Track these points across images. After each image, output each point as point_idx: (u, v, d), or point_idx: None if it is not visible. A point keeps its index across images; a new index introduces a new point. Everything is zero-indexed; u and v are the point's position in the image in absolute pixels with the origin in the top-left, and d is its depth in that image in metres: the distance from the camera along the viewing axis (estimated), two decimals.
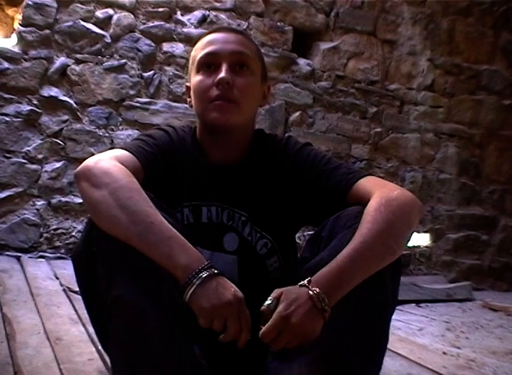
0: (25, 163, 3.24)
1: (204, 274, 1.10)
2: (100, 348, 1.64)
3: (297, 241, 1.53)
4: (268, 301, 1.10)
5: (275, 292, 1.12)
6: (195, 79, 1.42)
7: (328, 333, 1.12)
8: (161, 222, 1.15)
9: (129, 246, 1.13)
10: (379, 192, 1.25)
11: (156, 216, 1.15)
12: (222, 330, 1.09)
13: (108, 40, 3.41)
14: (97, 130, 3.39)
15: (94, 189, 1.19)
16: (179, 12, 3.59)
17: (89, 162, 1.24)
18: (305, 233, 3.54)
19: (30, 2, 3.24)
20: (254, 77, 1.43)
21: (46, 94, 3.28)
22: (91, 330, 1.61)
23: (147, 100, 3.50)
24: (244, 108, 1.40)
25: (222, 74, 1.36)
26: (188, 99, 1.51)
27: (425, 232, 4.29)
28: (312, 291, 1.09)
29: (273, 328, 1.07)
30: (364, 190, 1.30)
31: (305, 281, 1.11)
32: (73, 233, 3.32)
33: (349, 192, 1.33)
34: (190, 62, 1.48)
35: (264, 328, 1.08)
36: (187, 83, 1.51)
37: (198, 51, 1.44)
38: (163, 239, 1.12)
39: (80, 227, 3.30)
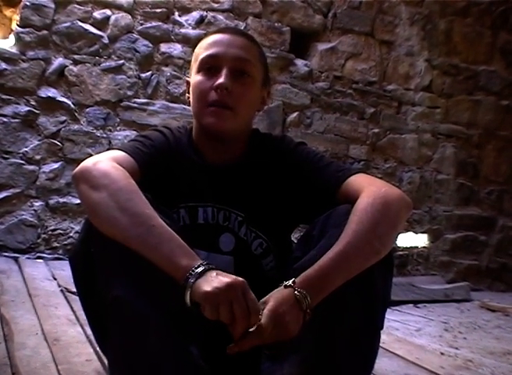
0: (23, 164, 3.24)
1: (203, 268, 1.09)
2: (98, 348, 1.65)
3: (294, 241, 1.53)
4: None
5: (263, 299, 1.12)
6: (195, 78, 1.42)
7: (318, 333, 1.13)
8: (161, 224, 1.14)
9: (128, 247, 1.12)
10: (367, 190, 1.25)
11: (156, 219, 1.15)
12: (230, 324, 1.06)
13: (106, 40, 3.42)
14: (94, 130, 3.39)
15: (92, 191, 1.18)
16: (176, 13, 3.59)
17: (87, 163, 1.24)
18: (302, 233, 3.53)
19: (27, 3, 3.24)
20: (253, 85, 1.42)
21: (44, 95, 3.28)
22: (89, 331, 1.61)
23: (145, 101, 3.50)
24: (240, 114, 1.39)
25: (221, 80, 1.35)
26: (187, 95, 1.50)
27: (423, 232, 4.29)
28: (299, 293, 1.10)
29: (269, 324, 1.06)
30: (353, 187, 1.30)
31: (290, 282, 1.12)
32: (71, 234, 3.31)
33: (339, 190, 1.33)
34: (193, 58, 1.47)
35: (259, 323, 1.06)
36: (188, 78, 1.51)
37: (201, 51, 1.43)
38: (164, 241, 1.12)
39: (77, 228, 3.30)
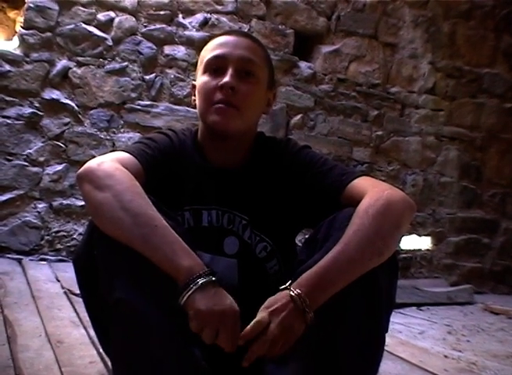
0: (26, 166, 3.24)
1: (204, 280, 1.10)
2: (101, 350, 1.64)
3: (299, 244, 1.53)
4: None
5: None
6: (201, 79, 1.43)
7: (322, 336, 1.13)
8: (164, 225, 1.15)
9: (131, 249, 1.13)
10: (370, 193, 1.25)
11: (160, 220, 1.15)
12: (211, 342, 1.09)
13: (110, 43, 3.42)
14: (98, 132, 3.39)
15: (97, 191, 1.18)
16: (180, 15, 3.59)
17: (91, 163, 1.24)
18: (306, 236, 3.54)
19: (31, 5, 3.24)
20: (258, 85, 1.43)
21: (47, 97, 3.28)
22: (92, 332, 1.61)
23: (149, 103, 3.50)
24: (246, 114, 1.39)
25: (227, 79, 1.36)
26: (193, 97, 1.51)
27: (426, 235, 4.28)
28: (293, 292, 1.10)
29: (251, 331, 1.08)
30: (357, 190, 1.30)
31: (286, 284, 1.13)
32: (74, 236, 3.32)
33: (342, 193, 1.33)
34: (199, 61, 1.48)
35: (244, 331, 1.09)
36: (194, 82, 1.51)
37: (207, 52, 1.44)
38: (167, 242, 1.13)
39: (81, 230, 3.30)
